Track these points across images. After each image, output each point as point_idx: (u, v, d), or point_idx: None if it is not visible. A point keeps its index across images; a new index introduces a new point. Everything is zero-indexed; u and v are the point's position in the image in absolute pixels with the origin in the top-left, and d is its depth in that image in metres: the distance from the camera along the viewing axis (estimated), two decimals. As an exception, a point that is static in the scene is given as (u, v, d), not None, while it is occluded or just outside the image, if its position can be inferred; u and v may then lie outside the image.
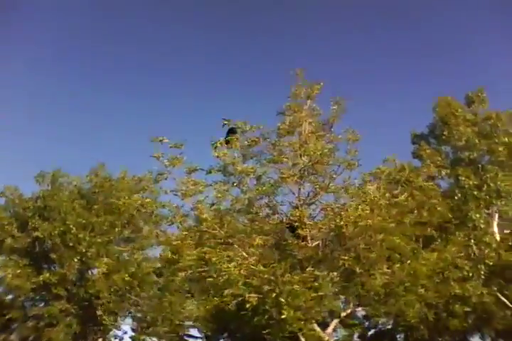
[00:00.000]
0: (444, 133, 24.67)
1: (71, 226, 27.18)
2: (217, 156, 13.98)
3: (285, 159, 13.25)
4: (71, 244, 26.94)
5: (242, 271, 10.97)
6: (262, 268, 11.16)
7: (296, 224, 12.77)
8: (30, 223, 28.07)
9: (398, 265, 13.19)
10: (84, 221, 27.59)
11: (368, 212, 11.54)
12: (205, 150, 14.59)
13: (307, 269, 11.49)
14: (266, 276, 11.00)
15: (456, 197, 21.93)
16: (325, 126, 14.63)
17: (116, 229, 28.35)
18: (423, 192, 14.97)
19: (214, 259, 11.50)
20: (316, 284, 11.19)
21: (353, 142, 13.80)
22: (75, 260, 26.73)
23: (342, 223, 11.54)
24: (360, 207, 11.70)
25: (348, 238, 12.06)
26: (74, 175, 30.80)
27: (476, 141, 23.65)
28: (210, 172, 14.24)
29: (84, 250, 26.67)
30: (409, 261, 13.39)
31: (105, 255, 26.64)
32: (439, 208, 19.69)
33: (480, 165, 23.47)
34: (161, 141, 13.23)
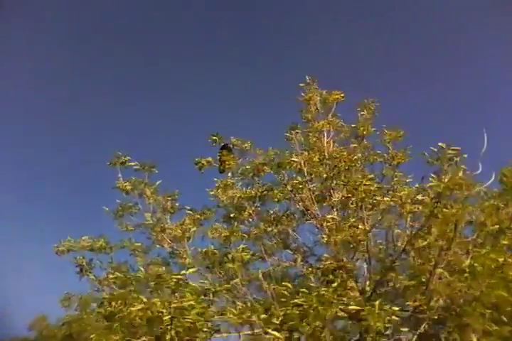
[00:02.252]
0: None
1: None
2: (214, 195, 9.61)
3: (296, 158, 8.57)
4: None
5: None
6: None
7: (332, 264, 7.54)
8: (53, 354, 23.57)
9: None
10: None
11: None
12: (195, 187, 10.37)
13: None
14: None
15: None
16: (356, 139, 10.18)
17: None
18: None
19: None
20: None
21: (395, 140, 9.14)
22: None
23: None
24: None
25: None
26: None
27: None
28: (204, 213, 9.75)
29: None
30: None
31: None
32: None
33: None
34: (123, 163, 9.13)
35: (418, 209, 6.55)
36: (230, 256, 6.50)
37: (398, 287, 6.66)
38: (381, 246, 7.40)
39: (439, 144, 6.12)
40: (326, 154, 9.72)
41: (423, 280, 6.25)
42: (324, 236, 7.57)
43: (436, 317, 7.28)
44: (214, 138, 9.84)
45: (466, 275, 7.09)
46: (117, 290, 7.50)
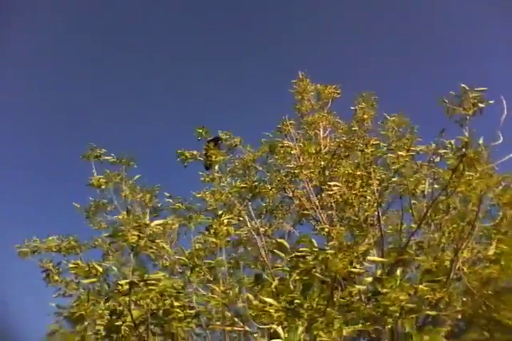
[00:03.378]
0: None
1: None
2: (201, 197, 8.57)
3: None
4: None
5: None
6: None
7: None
8: None
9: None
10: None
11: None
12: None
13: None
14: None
15: None
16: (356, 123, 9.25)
17: None
18: None
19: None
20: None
21: (398, 127, 8.16)
22: None
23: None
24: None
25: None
26: None
27: None
28: (191, 218, 8.68)
29: None
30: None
31: None
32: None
33: None
34: (97, 156, 8.11)
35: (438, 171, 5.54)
36: (212, 230, 5.40)
37: (416, 271, 5.57)
38: (391, 227, 6.31)
39: (462, 86, 5.17)
40: (323, 146, 8.85)
41: (446, 264, 5.16)
42: (324, 226, 6.48)
43: (459, 317, 6.19)
44: (200, 131, 8.89)
45: (491, 264, 6.08)
46: (84, 293, 6.33)
